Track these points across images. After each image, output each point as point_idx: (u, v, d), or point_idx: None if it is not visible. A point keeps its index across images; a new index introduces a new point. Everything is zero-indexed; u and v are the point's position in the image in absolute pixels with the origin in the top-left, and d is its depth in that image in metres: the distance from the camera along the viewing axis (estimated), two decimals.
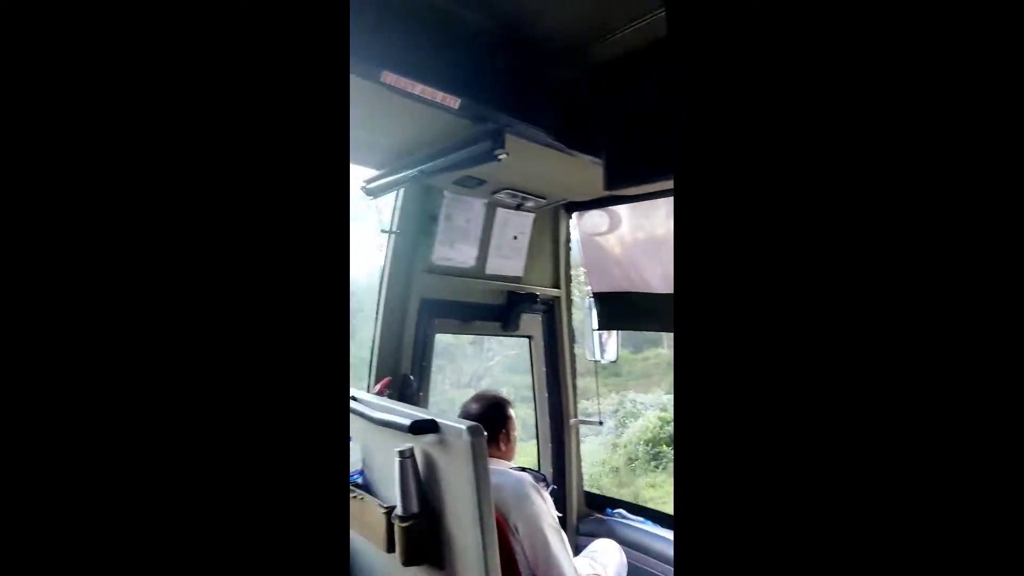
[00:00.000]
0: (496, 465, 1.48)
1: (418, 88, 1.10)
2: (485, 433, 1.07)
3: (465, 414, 1.63)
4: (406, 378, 1.85)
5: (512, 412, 1.72)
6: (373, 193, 1.72)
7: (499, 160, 1.33)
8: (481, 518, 1.05)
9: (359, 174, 1.69)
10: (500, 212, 2.01)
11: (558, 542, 1.44)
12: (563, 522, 2.03)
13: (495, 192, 1.88)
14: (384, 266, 1.88)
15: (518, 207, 2.02)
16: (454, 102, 1.16)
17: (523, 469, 1.61)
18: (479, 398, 1.70)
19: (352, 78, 1.08)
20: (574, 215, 2.22)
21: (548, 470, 2.29)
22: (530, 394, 2.37)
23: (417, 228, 1.88)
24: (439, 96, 1.13)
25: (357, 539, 1.46)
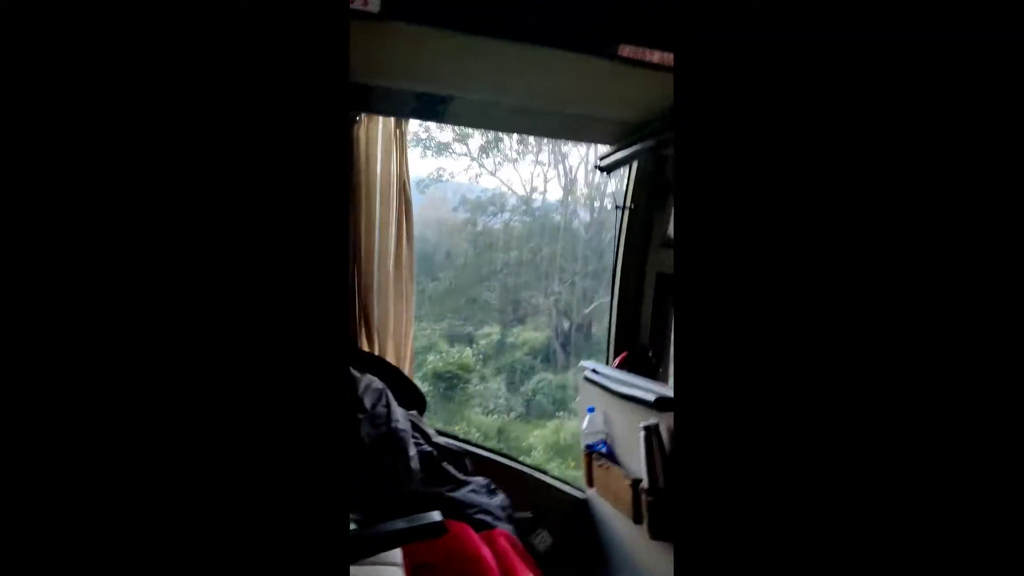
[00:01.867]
0: None
1: (656, 56, 1.07)
2: None
3: None
4: (644, 352, 1.85)
5: None
6: (607, 169, 1.73)
7: None
8: None
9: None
10: None
11: None
12: None
13: None
14: (618, 242, 1.89)
15: None
16: None
17: None
18: None
19: (583, 57, 1.09)
20: None
21: None
22: None
23: (651, 202, 1.83)
24: None
25: (604, 505, 1.54)
